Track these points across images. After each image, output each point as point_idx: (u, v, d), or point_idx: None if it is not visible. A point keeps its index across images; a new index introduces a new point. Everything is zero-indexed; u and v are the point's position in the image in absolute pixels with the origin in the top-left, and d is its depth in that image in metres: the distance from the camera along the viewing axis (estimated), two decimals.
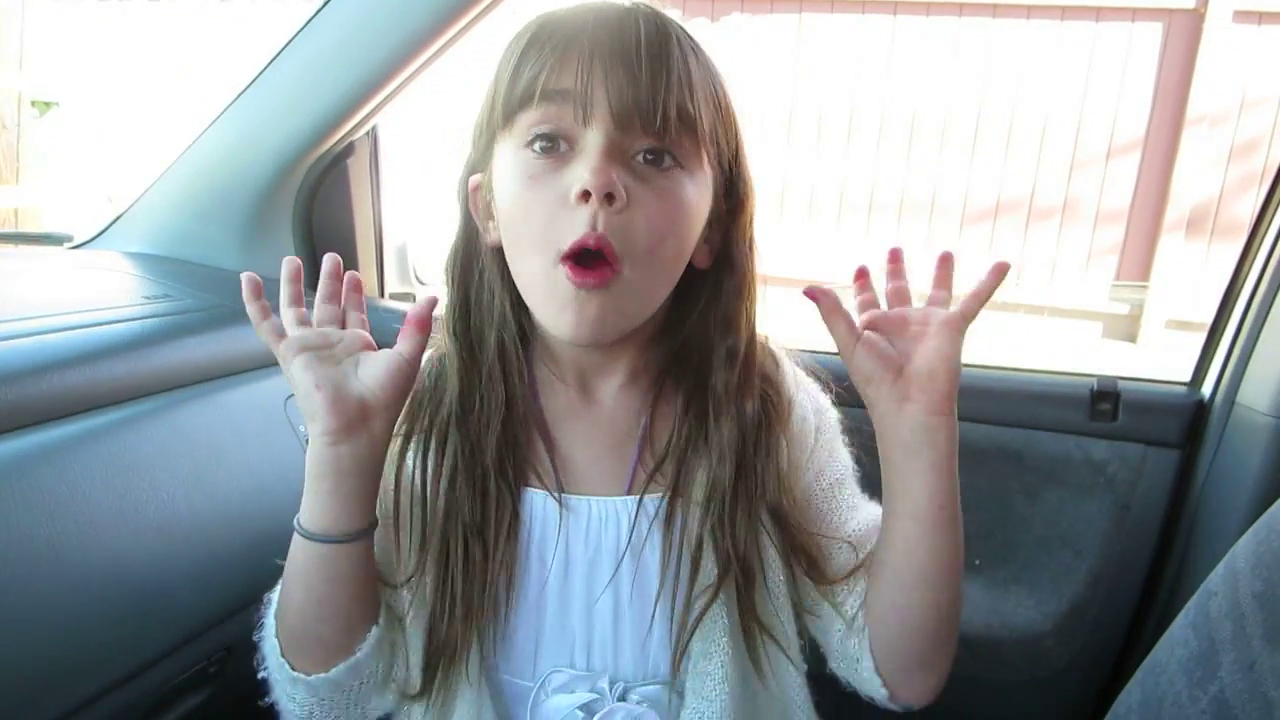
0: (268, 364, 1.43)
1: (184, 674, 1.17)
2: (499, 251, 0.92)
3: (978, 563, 1.62)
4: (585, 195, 0.80)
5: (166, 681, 1.15)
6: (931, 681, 0.96)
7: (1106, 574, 1.55)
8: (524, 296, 0.91)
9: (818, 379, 1.07)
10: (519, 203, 0.85)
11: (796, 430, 1.01)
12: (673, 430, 0.97)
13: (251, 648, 1.26)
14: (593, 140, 0.82)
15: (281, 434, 1.37)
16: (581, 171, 0.81)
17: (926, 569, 0.90)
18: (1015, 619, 1.58)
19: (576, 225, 0.82)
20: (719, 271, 0.95)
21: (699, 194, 0.88)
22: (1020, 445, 1.58)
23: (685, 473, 0.95)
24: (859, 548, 0.99)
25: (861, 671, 0.97)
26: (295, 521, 0.87)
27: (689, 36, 0.87)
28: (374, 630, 0.92)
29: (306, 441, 0.85)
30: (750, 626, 0.95)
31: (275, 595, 0.94)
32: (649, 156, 0.84)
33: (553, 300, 0.86)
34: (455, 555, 0.92)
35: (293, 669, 0.91)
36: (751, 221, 0.95)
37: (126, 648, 1.07)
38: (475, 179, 0.94)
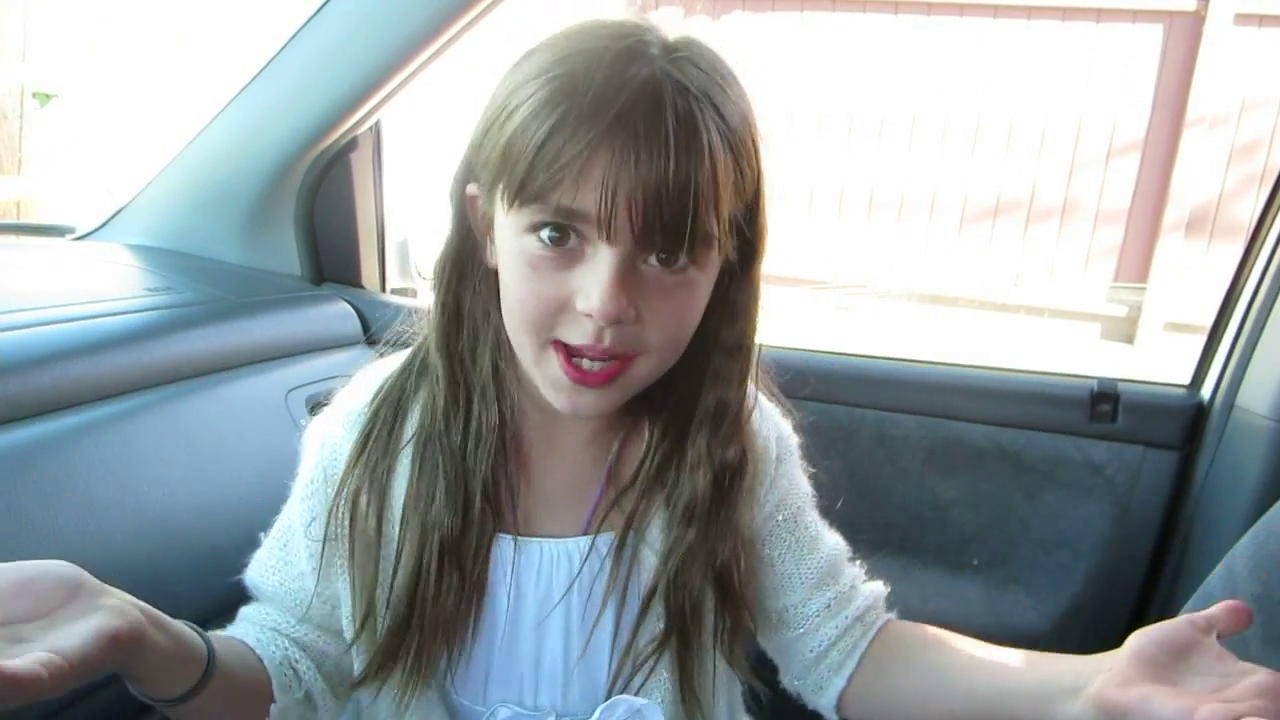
0: (269, 357, 1.43)
1: None
2: (497, 273, 0.87)
3: (975, 563, 1.63)
4: (590, 315, 0.77)
5: None
6: None
7: (1104, 575, 1.55)
8: (518, 356, 0.86)
9: (779, 404, 1.03)
10: (517, 288, 0.81)
11: (757, 459, 0.97)
12: (638, 469, 0.94)
13: None
14: (605, 257, 0.76)
15: (282, 427, 1.37)
16: (590, 290, 0.76)
17: None
18: (1013, 619, 1.59)
19: (578, 331, 0.79)
20: (718, 322, 0.89)
21: (709, 278, 0.83)
22: (1020, 446, 1.58)
23: (642, 513, 0.93)
24: (821, 584, 0.99)
25: (821, 698, 1.00)
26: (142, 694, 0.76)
27: (718, 105, 0.77)
28: (274, 709, 0.90)
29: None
30: (688, 691, 0.95)
31: None
32: (662, 257, 0.78)
33: (546, 380, 0.83)
34: (428, 577, 0.89)
35: None
36: (758, 280, 0.89)
37: None
38: (473, 189, 0.87)
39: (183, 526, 1.16)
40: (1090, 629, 1.56)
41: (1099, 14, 6.50)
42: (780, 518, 1.00)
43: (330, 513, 0.92)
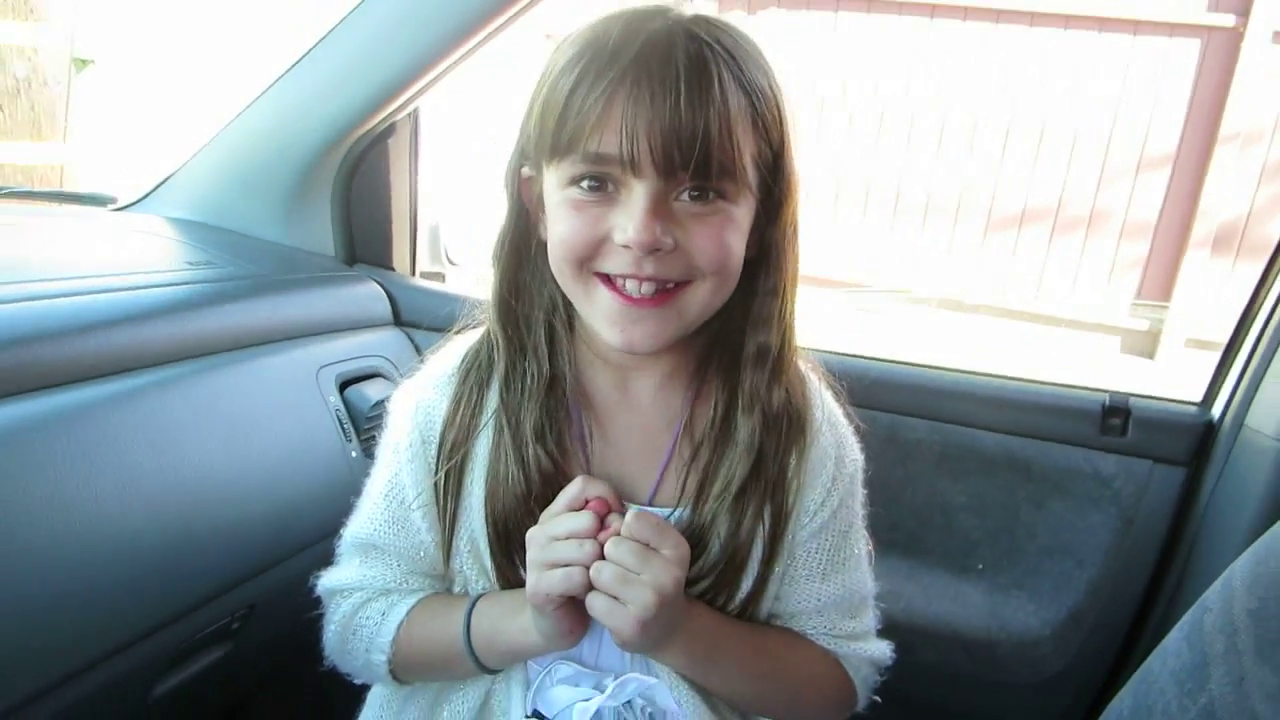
0: (302, 334, 1.48)
1: (208, 629, 1.21)
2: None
3: (980, 567, 1.65)
4: (628, 246, 0.84)
5: (191, 635, 1.19)
6: None
7: (1106, 584, 1.57)
8: (570, 300, 0.94)
9: (851, 420, 1.07)
10: (560, 228, 0.88)
11: (810, 472, 1.00)
12: (703, 436, 0.98)
13: (273, 607, 1.30)
14: (638, 192, 0.84)
15: (313, 403, 1.41)
16: (625, 223, 0.84)
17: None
18: (1014, 623, 1.61)
19: (618, 262, 0.86)
20: (756, 267, 0.95)
21: (744, 213, 0.89)
22: (1030, 455, 1.59)
23: (708, 485, 0.97)
24: (822, 609, 1.03)
25: None
26: (473, 650, 0.97)
27: (729, 50, 0.85)
28: None
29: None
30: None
31: (380, 633, 1.02)
32: (694, 194, 0.85)
33: (598, 315, 0.90)
34: (505, 528, 0.96)
35: (398, 679, 1.05)
36: (792, 222, 0.95)
37: (156, 600, 1.12)
38: (526, 170, 0.95)
39: (215, 492, 1.20)
40: (1090, 636, 1.58)
41: (1136, 25, 6.44)
42: (814, 546, 1.02)
43: (437, 473, 0.99)
